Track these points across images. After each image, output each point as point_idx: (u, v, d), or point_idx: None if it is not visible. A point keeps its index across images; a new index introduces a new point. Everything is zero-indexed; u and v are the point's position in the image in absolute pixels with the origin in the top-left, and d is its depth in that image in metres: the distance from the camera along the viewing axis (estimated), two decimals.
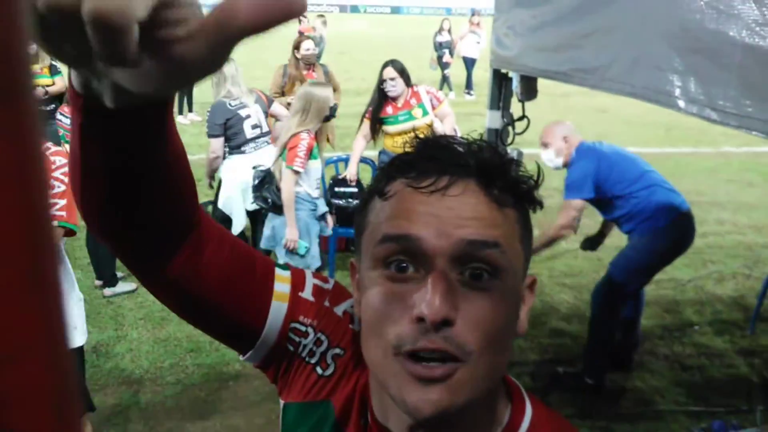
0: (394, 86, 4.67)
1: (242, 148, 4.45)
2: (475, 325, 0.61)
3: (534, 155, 5.40)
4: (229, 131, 4.38)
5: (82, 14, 0.32)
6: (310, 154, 3.63)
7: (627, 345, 3.78)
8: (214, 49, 0.37)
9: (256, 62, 11.84)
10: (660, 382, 3.68)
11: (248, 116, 4.42)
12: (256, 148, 4.48)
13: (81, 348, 2.45)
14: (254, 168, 3.98)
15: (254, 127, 4.46)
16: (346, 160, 5.39)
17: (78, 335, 2.41)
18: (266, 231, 3.87)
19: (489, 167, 0.65)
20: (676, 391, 3.60)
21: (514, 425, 0.71)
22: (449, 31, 14.34)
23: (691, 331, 4.29)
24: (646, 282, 3.59)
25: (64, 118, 4.38)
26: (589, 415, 3.35)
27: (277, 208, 3.74)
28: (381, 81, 4.69)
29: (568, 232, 3.37)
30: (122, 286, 4.61)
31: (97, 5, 0.32)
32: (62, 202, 2.19)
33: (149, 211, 0.62)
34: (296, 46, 5.61)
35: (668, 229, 3.33)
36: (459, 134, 4.07)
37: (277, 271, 0.78)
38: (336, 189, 5.06)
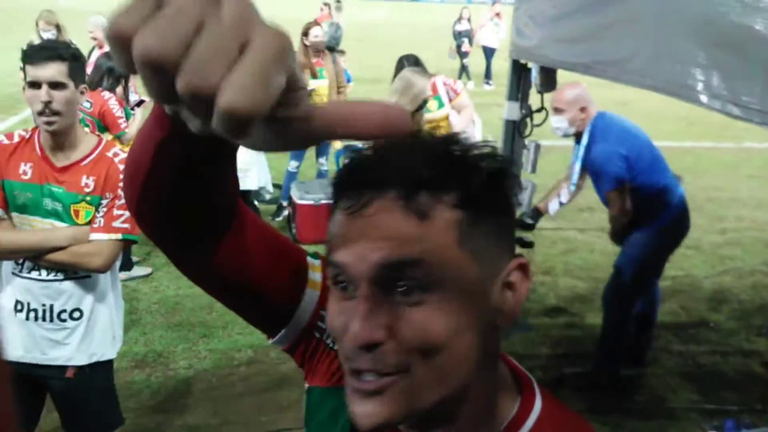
0: None
1: None
2: (410, 340, 0.60)
3: (553, 147, 5.35)
4: None
5: (216, 106, 0.35)
6: None
7: (640, 342, 3.74)
8: (312, 134, 0.41)
9: None
10: (673, 379, 3.65)
11: None
12: None
13: (111, 360, 2.36)
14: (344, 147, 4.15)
15: None
16: (363, 150, 5.37)
17: (116, 344, 2.35)
18: None
19: (411, 176, 0.61)
20: (689, 389, 3.57)
21: (520, 419, 0.70)
22: (469, 20, 14.23)
23: (707, 328, 4.24)
24: (654, 277, 3.53)
25: (84, 102, 4.39)
26: (601, 411, 3.33)
27: None
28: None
29: (624, 219, 3.26)
30: (137, 271, 4.64)
31: (232, 102, 0.35)
32: (127, 213, 2.08)
33: (202, 208, 0.65)
34: (305, 33, 5.57)
35: (670, 225, 3.29)
36: (479, 124, 4.03)
37: (309, 259, 0.82)
38: None
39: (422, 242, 0.60)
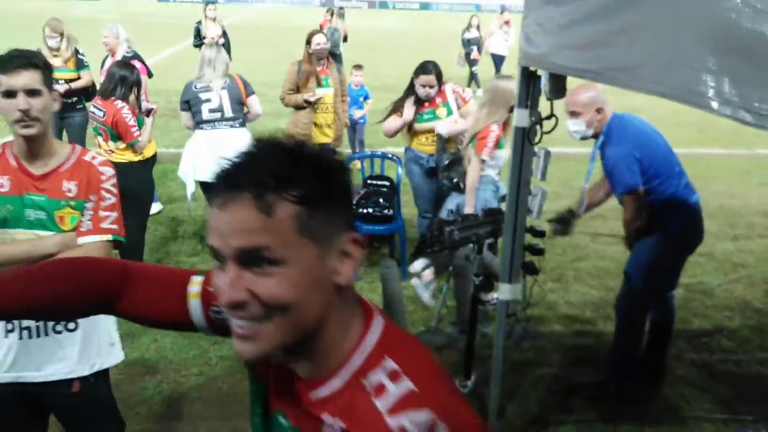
0: (431, 93, 4.65)
1: (201, 126, 4.87)
2: (265, 300, 0.84)
3: (562, 154, 5.33)
4: (192, 109, 4.89)
5: None
6: (497, 144, 4.01)
7: (657, 357, 3.60)
8: None
9: (287, 57, 11.87)
10: (686, 389, 3.61)
11: (208, 100, 4.84)
12: (213, 128, 4.86)
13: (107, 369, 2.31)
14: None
15: (213, 110, 4.86)
16: (372, 156, 5.38)
17: (116, 350, 2.32)
18: (449, 206, 4.26)
19: (261, 181, 0.83)
20: (702, 398, 3.53)
21: (361, 341, 0.92)
22: (478, 27, 14.23)
23: (720, 336, 4.20)
24: (667, 287, 3.47)
25: (97, 110, 4.43)
26: (612, 420, 3.30)
27: (460, 189, 4.18)
28: (420, 84, 4.64)
29: (636, 223, 3.24)
30: None
31: None
32: (114, 214, 2.09)
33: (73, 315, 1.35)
34: (308, 41, 5.58)
35: (680, 230, 3.25)
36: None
37: (193, 278, 1.16)
38: (369, 182, 5.08)
39: (268, 233, 0.83)
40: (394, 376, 0.88)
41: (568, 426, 3.26)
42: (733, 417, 3.34)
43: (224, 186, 0.85)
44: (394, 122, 4.76)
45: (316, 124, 5.63)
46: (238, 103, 4.91)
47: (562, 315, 4.45)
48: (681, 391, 3.59)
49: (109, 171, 2.11)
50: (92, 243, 2.03)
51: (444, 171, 4.34)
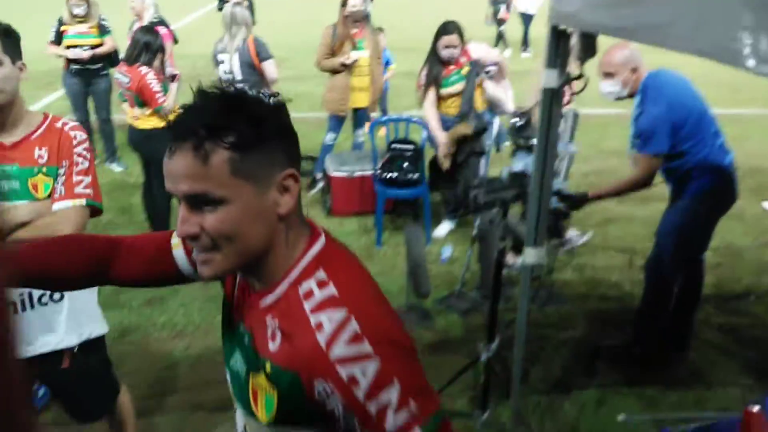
0: (455, 53, 4.58)
1: None
2: (212, 233, 1.00)
3: (591, 115, 5.20)
4: (217, 68, 5.28)
5: None
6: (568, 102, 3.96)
7: (682, 323, 3.54)
8: None
9: (311, 19, 11.75)
10: (712, 353, 3.58)
11: (222, 62, 5.15)
12: None
13: (103, 336, 2.29)
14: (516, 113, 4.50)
15: (226, 73, 5.16)
16: (397, 120, 5.33)
17: (103, 320, 2.29)
18: (517, 165, 4.19)
19: (199, 132, 0.96)
20: (729, 363, 3.50)
21: (301, 258, 1.08)
22: None
23: (747, 301, 4.14)
24: (698, 250, 3.40)
25: (123, 77, 4.44)
26: (637, 384, 3.29)
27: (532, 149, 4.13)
28: (443, 46, 4.57)
29: (643, 188, 3.20)
30: None
31: None
32: (87, 179, 2.03)
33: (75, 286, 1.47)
34: (343, 3, 5.50)
35: (711, 191, 3.17)
36: (510, 93, 3.93)
37: (174, 232, 1.26)
38: (393, 146, 5.04)
39: (206, 179, 0.97)
40: (321, 284, 1.05)
41: (591, 390, 3.26)
42: (759, 382, 3.31)
43: (174, 136, 0.98)
44: (430, 99, 4.73)
45: (352, 88, 5.57)
46: (250, 67, 4.94)
47: (587, 279, 4.42)
48: (707, 355, 3.56)
49: (81, 135, 2.05)
50: (67, 208, 1.98)
51: (519, 131, 4.27)
